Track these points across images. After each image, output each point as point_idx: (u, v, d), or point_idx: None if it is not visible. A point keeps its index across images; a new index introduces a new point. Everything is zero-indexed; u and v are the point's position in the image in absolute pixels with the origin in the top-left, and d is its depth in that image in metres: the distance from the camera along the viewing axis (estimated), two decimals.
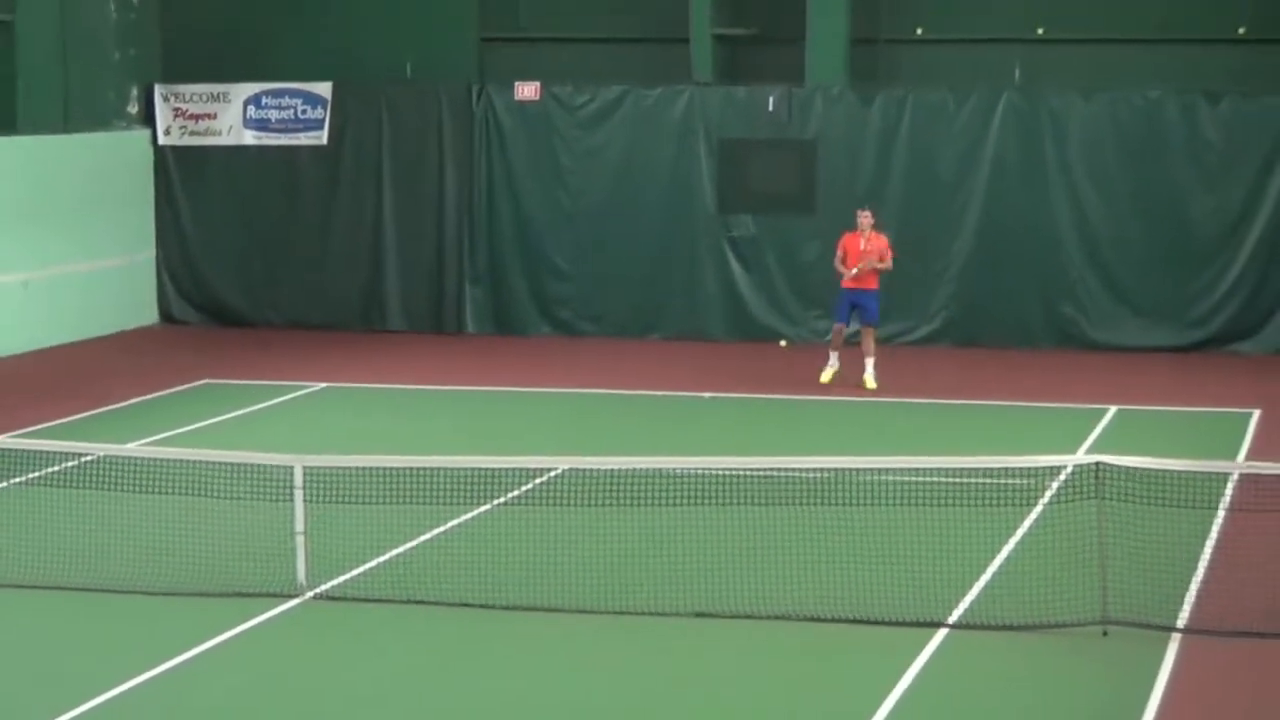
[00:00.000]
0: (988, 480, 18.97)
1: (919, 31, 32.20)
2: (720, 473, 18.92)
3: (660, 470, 18.57)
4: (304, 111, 32.96)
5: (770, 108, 31.40)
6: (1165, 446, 20.39)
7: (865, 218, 27.32)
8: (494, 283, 32.49)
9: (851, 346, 27.37)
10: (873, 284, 27.27)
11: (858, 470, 19.02)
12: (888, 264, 27.30)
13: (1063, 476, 18.86)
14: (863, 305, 27.26)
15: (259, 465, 18.06)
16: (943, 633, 15.92)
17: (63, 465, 20.38)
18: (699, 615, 16.38)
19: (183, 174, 33.45)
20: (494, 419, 25.55)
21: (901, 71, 32.04)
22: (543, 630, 16.21)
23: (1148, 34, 31.26)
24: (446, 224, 32.55)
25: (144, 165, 33.32)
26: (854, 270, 27.00)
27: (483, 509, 19.25)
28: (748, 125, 31.56)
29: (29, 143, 30.80)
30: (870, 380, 27.09)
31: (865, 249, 27.18)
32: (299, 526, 17.09)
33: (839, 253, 27.50)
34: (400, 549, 18.32)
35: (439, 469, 18.67)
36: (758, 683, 14.96)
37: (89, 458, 20.03)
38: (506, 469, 19.47)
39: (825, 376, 27.34)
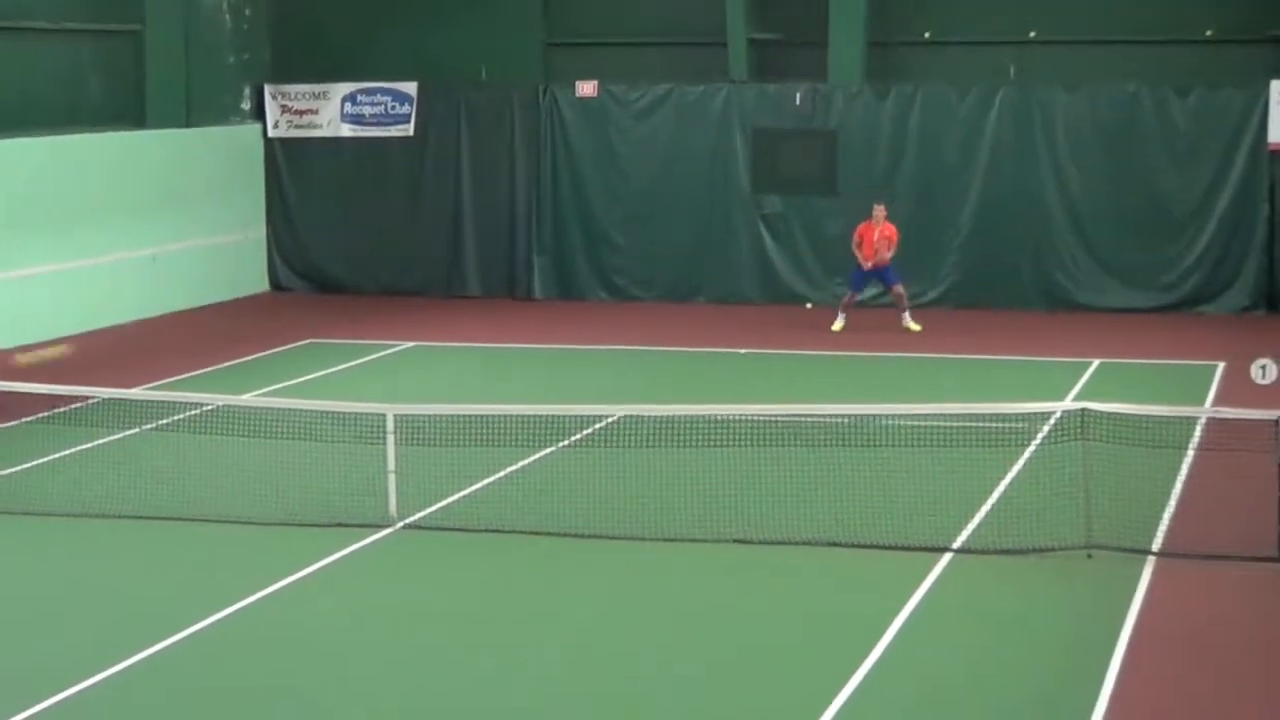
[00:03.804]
0: (987, 424, 18.91)
1: (926, 35, 32.08)
2: (755, 418, 18.88)
3: (703, 416, 18.57)
4: (393, 108, 32.95)
5: (797, 102, 31.31)
6: (1142, 394, 20.34)
7: (880, 210, 28.23)
8: (558, 254, 32.47)
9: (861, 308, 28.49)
10: (885, 262, 28.19)
11: (874, 416, 19.00)
12: (891, 252, 28.18)
13: (1052, 421, 18.80)
14: (881, 276, 28.36)
15: (356, 413, 18.13)
16: (948, 557, 15.91)
17: (187, 414, 20.48)
18: (737, 541, 16.38)
19: (289, 162, 33.49)
20: (558, 372, 25.58)
21: (911, 70, 31.90)
22: (602, 555, 16.24)
23: (1126, 36, 31.12)
24: (517, 204, 32.53)
25: (255, 155, 33.36)
26: (869, 265, 28.13)
27: (549, 450, 19.26)
28: (777, 117, 31.46)
29: (156, 136, 30.89)
30: (913, 324, 28.07)
31: (877, 238, 28.07)
32: (390, 466, 17.13)
33: (855, 239, 28.37)
34: (478, 485, 18.36)
35: (511, 416, 18.74)
36: (790, 598, 14.98)
37: (209, 407, 20.11)
38: (569, 416, 19.47)
39: (837, 326, 28.25)
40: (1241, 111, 29.72)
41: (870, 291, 30.86)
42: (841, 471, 17.91)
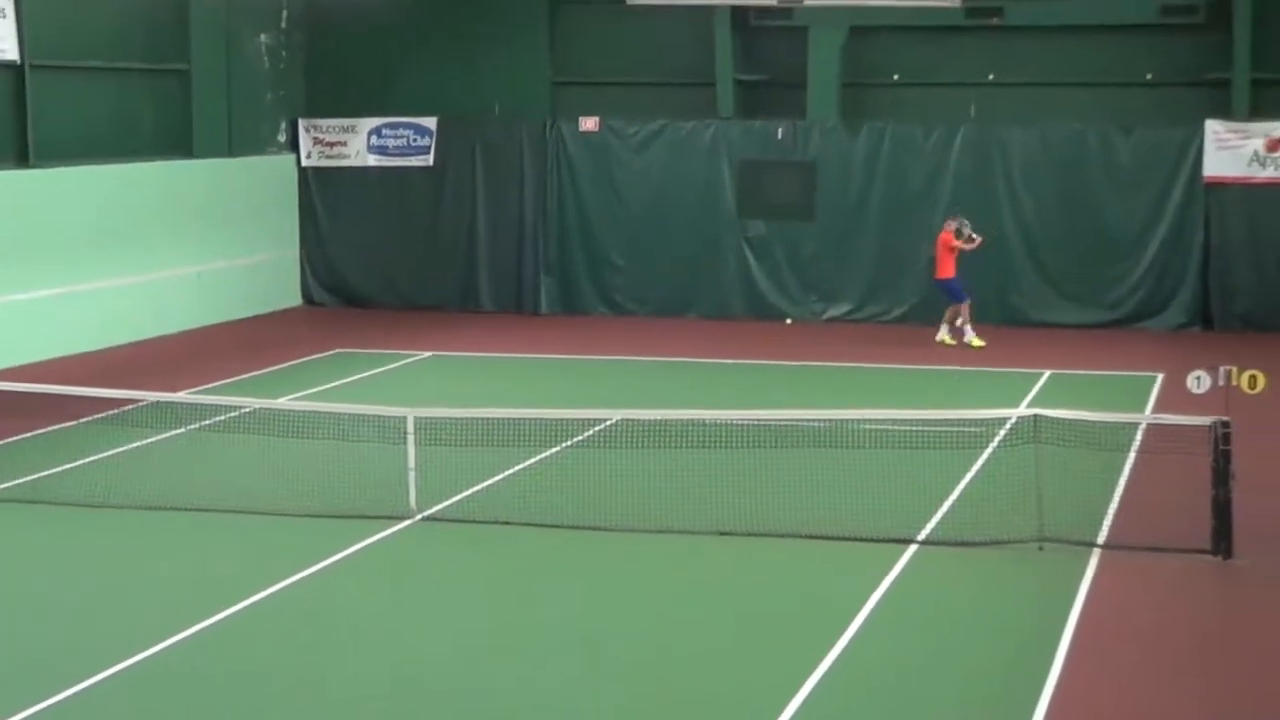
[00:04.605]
0: (949, 429, 18.94)
1: (895, 77, 32.06)
2: (740, 423, 18.91)
3: (692, 420, 18.58)
4: (415, 140, 32.94)
5: (779, 136, 31.32)
6: (1089, 402, 20.32)
7: (951, 223, 28.14)
8: (562, 273, 32.47)
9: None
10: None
11: (847, 420, 19.00)
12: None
13: (1008, 426, 18.82)
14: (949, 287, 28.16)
15: (379, 416, 18.10)
16: (913, 548, 15.90)
17: (228, 415, 20.47)
18: (722, 533, 16.37)
19: (320, 189, 33.49)
20: (562, 380, 25.56)
21: (881, 108, 31.89)
22: (600, 545, 16.22)
23: (1075, 79, 31.14)
24: (525, 227, 32.53)
25: (290, 182, 33.37)
26: (978, 241, 28.01)
27: (554, 450, 19.26)
28: (761, 150, 31.47)
29: (202, 165, 30.91)
30: (948, 337, 28.10)
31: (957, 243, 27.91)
32: (411, 463, 17.12)
33: (950, 247, 27.86)
34: (490, 481, 18.34)
35: (520, 419, 18.74)
36: (771, 584, 14.97)
37: (248, 409, 20.12)
38: (572, 419, 19.48)
39: (980, 341, 27.68)
40: (1179, 148, 29.76)
41: (845, 306, 30.96)
42: (818, 470, 17.90)
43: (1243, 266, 29.85)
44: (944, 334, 28.02)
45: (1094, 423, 17.05)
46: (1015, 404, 21.84)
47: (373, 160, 33.18)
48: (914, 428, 18.83)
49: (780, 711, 11.77)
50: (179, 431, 20.20)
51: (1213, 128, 29.58)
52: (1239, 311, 29.87)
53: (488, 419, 18.56)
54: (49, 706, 11.95)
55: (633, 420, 18.88)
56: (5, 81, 26.89)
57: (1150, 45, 30.79)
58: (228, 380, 24.71)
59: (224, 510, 17.31)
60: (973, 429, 19.08)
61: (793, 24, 31.31)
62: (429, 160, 32.93)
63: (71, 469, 19.16)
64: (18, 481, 18.54)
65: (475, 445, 18.17)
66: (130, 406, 20.60)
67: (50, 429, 20.73)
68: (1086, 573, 15.09)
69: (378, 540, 16.31)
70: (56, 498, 17.86)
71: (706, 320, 31.38)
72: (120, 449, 19.91)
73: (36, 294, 26.92)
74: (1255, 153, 29.43)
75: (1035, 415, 16.45)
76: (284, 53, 33.35)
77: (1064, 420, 16.52)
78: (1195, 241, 29.87)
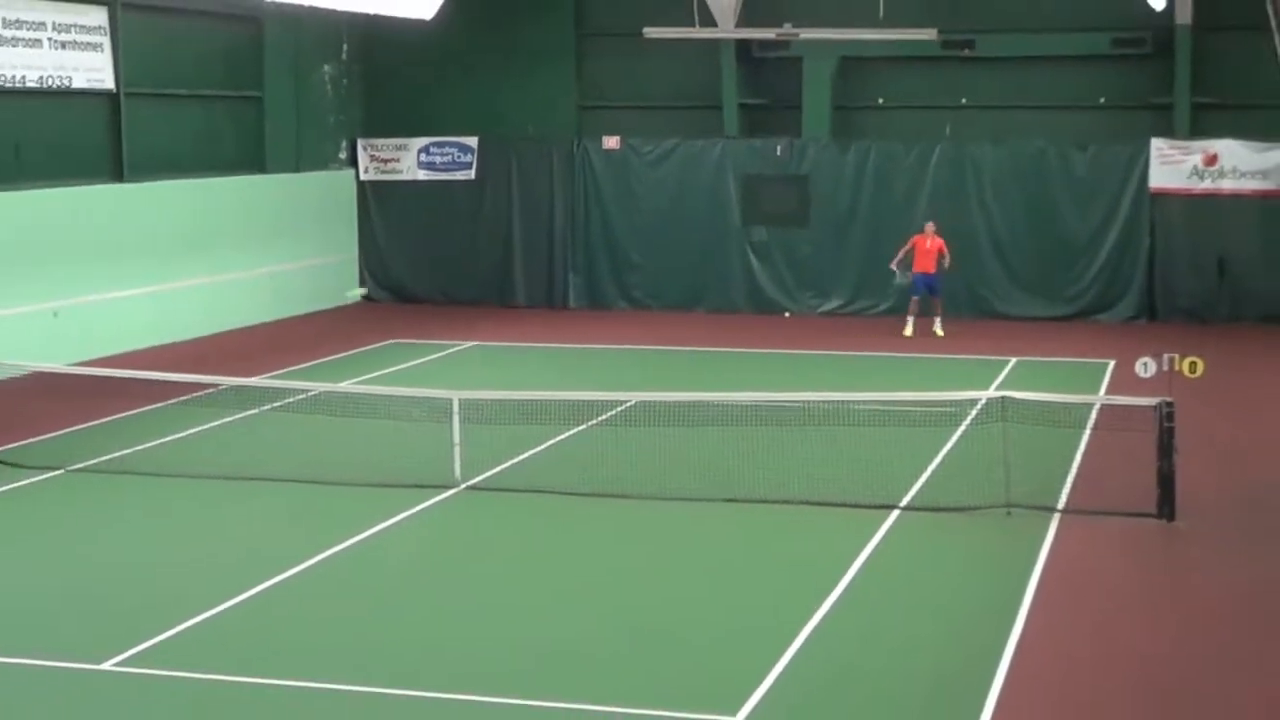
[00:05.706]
0: (927, 409, 18.90)
1: (880, 101, 32.02)
2: (744, 403, 18.90)
3: (703, 402, 18.57)
4: (459, 157, 32.94)
5: (778, 153, 31.27)
6: (1049, 385, 20.30)
7: (930, 227, 28.00)
8: (588, 272, 32.45)
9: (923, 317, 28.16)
10: (934, 269, 27.77)
11: (838, 401, 18.98)
12: (946, 258, 27.88)
13: (979, 406, 18.79)
14: (932, 285, 27.90)
15: (428, 397, 18.12)
16: (896, 513, 15.88)
17: (296, 398, 20.48)
18: (729, 500, 16.36)
19: (376, 200, 33.50)
20: (587, 366, 25.55)
21: (868, 128, 31.84)
22: (620, 509, 16.22)
23: (1038, 103, 31.06)
24: (556, 232, 32.51)
25: (350, 194, 33.37)
26: (927, 271, 27.70)
27: (580, 428, 19.27)
28: (762, 165, 31.42)
29: (273, 179, 30.91)
30: (940, 330, 27.82)
31: (928, 247, 27.71)
32: (455, 439, 17.12)
33: (908, 246, 27.96)
34: (525, 455, 18.34)
35: (551, 400, 18.74)
36: (771, 544, 14.95)
37: (314, 392, 20.15)
38: (596, 400, 19.47)
39: (908, 331, 27.73)
40: (1128, 163, 29.68)
41: (837, 301, 30.91)
42: (812, 445, 17.91)
43: (1184, 266, 29.80)
44: (936, 326, 27.95)
45: (1054, 403, 17.02)
46: (985, 387, 21.80)
47: (422, 175, 33.18)
48: (897, 408, 18.80)
49: (784, 650, 11.78)
50: (254, 412, 20.23)
51: (1158, 145, 29.50)
52: (1181, 306, 29.80)
53: (523, 400, 18.57)
54: (142, 650, 11.98)
55: (649, 401, 18.89)
56: (103, 107, 26.95)
57: (1103, 73, 30.71)
58: (296, 367, 24.74)
59: (293, 480, 17.32)
60: (948, 409, 19.06)
61: (790, 55, 31.26)
62: (471, 174, 32.92)
63: (161, 444, 19.20)
64: (117, 454, 18.58)
65: (512, 423, 18.20)
66: (212, 390, 20.65)
67: (143, 409, 20.78)
68: (1048, 534, 15.07)
69: (426, 507, 16.32)
70: (148, 469, 17.90)
71: (714, 314, 31.35)
72: (203, 427, 19.94)
73: (130, 292, 26.98)
74: (1195, 167, 29.37)
75: (1003, 397, 16.43)
76: (345, 81, 33.35)
77: (1028, 401, 16.50)
78: (1142, 245, 29.81)
